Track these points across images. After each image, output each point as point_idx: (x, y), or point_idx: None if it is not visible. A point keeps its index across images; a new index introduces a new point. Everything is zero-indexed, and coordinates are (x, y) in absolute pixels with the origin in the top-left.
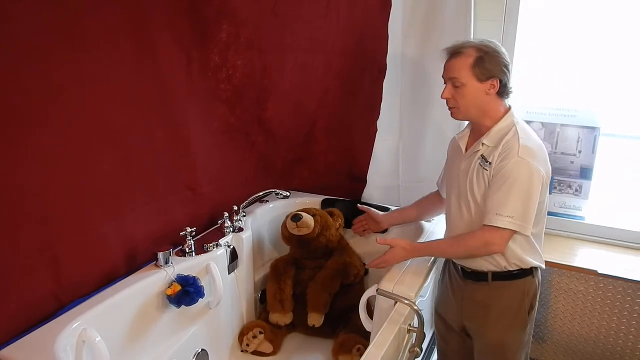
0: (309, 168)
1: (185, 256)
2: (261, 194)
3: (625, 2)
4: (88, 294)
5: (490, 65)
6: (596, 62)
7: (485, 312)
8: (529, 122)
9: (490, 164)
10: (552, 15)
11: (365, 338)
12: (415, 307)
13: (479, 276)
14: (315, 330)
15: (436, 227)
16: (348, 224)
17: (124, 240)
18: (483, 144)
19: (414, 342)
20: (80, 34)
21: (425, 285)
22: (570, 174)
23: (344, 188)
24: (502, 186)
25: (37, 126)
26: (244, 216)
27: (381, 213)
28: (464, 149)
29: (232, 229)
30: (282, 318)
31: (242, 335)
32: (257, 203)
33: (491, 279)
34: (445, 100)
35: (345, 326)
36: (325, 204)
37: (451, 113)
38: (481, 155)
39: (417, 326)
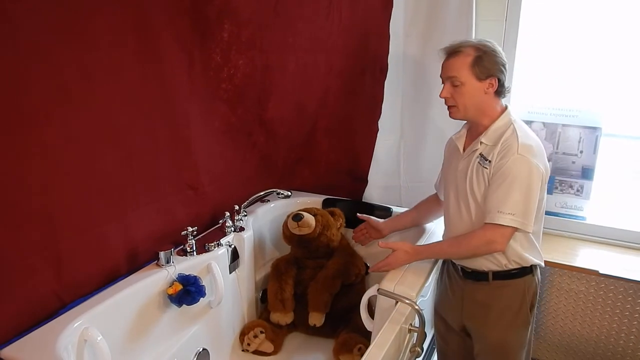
0: (310, 168)
1: (187, 255)
2: (262, 193)
3: (626, 2)
4: (89, 293)
5: (488, 64)
6: (597, 62)
7: (485, 311)
8: (530, 122)
9: (489, 162)
10: (554, 15)
11: (366, 337)
12: (416, 307)
13: (479, 276)
14: (316, 330)
15: (437, 228)
16: (349, 224)
17: (126, 239)
18: (481, 143)
19: (414, 342)
20: (81, 33)
21: (426, 284)
22: (571, 174)
23: (345, 188)
24: (502, 183)
25: (40, 126)
26: (245, 215)
27: (381, 220)
28: (461, 149)
29: (233, 229)
30: (283, 317)
31: (242, 335)
32: (258, 202)
33: (491, 278)
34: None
35: (346, 326)
36: (326, 203)
37: (449, 112)
38: (480, 154)
39: (418, 326)
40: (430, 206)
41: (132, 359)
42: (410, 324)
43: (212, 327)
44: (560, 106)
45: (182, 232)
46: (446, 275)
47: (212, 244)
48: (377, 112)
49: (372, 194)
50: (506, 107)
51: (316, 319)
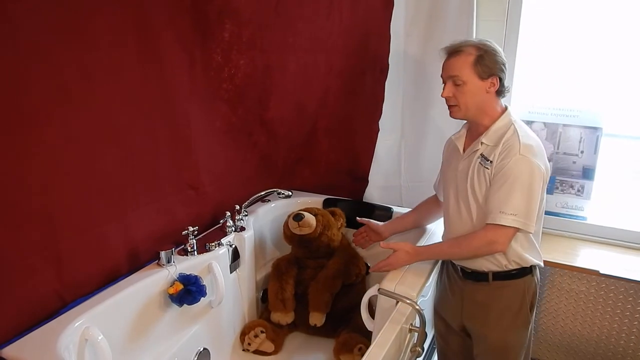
0: (311, 167)
1: (187, 255)
2: (263, 193)
3: (627, 3)
4: (90, 292)
5: (490, 63)
6: (598, 62)
7: (485, 312)
8: (530, 122)
9: (491, 162)
10: (554, 15)
11: (366, 337)
12: (417, 307)
13: (478, 276)
14: (317, 330)
15: (437, 228)
16: (350, 224)
17: (126, 239)
18: (482, 143)
19: (415, 342)
20: (81, 33)
21: (427, 284)
22: (572, 174)
23: (346, 187)
24: (504, 184)
25: (40, 126)
26: (246, 215)
27: (381, 223)
28: (461, 149)
29: (233, 228)
30: (283, 317)
31: (243, 334)
32: (259, 202)
33: (491, 278)
34: (444, 100)
35: (347, 325)
36: (326, 203)
37: (450, 111)
38: (481, 154)
39: (418, 325)
40: (430, 207)
41: (132, 359)
42: (411, 324)
43: (213, 326)
44: (561, 106)
45: (183, 232)
46: (446, 276)
47: (213, 244)
48: (377, 112)
49: (373, 193)
50: (506, 108)
51: (317, 318)
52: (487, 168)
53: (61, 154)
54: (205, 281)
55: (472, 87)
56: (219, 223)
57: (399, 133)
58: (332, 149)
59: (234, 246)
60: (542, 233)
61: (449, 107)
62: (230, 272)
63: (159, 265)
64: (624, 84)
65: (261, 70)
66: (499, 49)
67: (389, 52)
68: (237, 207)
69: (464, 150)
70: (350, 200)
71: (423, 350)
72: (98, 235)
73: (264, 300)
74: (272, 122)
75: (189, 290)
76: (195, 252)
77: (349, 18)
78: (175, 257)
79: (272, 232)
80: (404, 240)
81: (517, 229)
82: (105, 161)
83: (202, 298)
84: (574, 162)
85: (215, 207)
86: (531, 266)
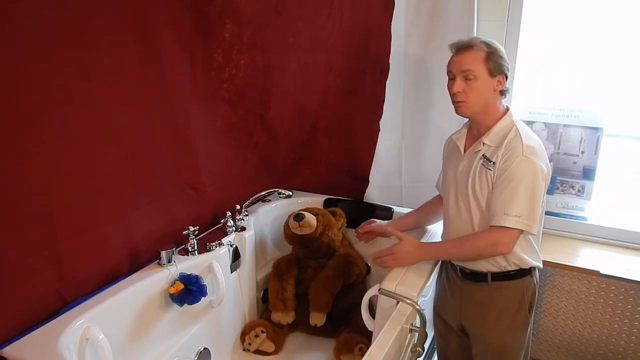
0: (311, 167)
1: (188, 255)
2: (263, 193)
3: (627, 3)
4: (91, 292)
5: (499, 61)
6: (599, 62)
7: (484, 312)
8: (531, 122)
9: (493, 163)
10: (555, 15)
11: (367, 337)
12: (417, 307)
13: (477, 276)
14: (317, 330)
15: (438, 228)
16: (350, 224)
17: (127, 239)
18: (484, 144)
19: (415, 342)
20: (81, 33)
21: (427, 284)
22: (572, 174)
23: (346, 188)
24: (508, 186)
25: (40, 126)
26: (247, 215)
27: (384, 222)
28: (462, 149)
29: (234, 228)
30: (284, 317)
31: (244, 334)
32: (260, 202)
33: (490, 279)
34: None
35: (347, 325)
36: (327, 203)
37: (457, 107)
38: (483, 155)
39: (419, 325)
40: (433, 207)
41: (133, 358)
42: (411, 324)
43: (213, 326)
44: (561, 106)
45: (184, 232)
46: (445, 276)
47: (214, 244)
48: (377, 112)
49: (373, 194)
50: (508, 108)
51: (317, 318)
52: (489, 169)
53: (61, 154)
54: (206, 281)
55: (482, 84)
56: (220, 223)
57: (399, 133)
58: (332, 149)
59: (234, 246)
60: (543, 233)
61: (457, 103)
62: (231, 272)
63: (160, 264)
64: (624, 84)
65: (262, 70)
66: (503, 48)
67: (390, 52)
68: (238, 207)
69: (464, 150)
70: (351, 201)
71: (423, 351)
72: (98, 235)
73: (265, 300)
74: (273, 122)
75: (189, 290)
76: (196, 252)
77: (349, 18)
78: (176, 257)
79: (272, 232)
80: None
81: (521, 231)
82: (105, 161)
83: (203, 298)
84: (575, 163)
85: (215, 207)
86: (530, 267)
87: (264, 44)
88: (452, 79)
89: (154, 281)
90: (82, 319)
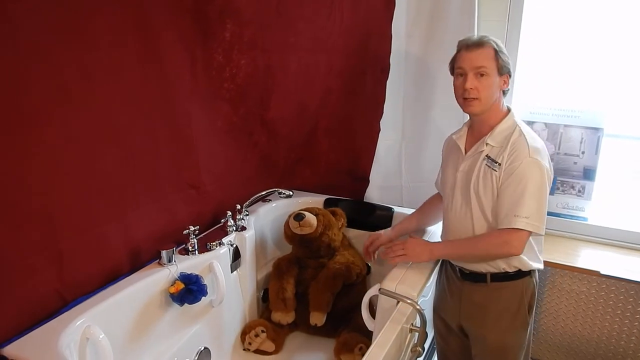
0: (311, 167)
1: (188, 254)
2: (264, 193)
3: (628, 3)
4: (91, 291)
5: (506, 59)
6: (599, 62)
7: (483, 313)
8: (531, 123)
9: (499, 164)
10: (556, 15)
11: (367, 337)
12: (418, 307)
13: (477, 277)
14: (317, 329)
15: (437, 229)
16: (350, 223)
17: (127, 238)
18: (487, 144)
19: (415, 342)
20: (81, 33)
21: (428, 284)
22: (573, 175)
23: (346, 187)
24: (517, 187)
25: (40, 126)
26: (247, 215)
27: (386, 233)
28: (463, 149)
29: (234, 228)
30: (284, 317)
31: (244, 334)
32: (260, 202)
33: (489, 279)
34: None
35: (347, 325)
36: (327, 203)
37: (469, 104)
38: (487, 156)
39: (419, 325)
40: (434, 207)
41: (133, 357)
42: (412, 324)
43: (214, 326)
44: (562, 107)
45: (184, 231)
46: (444, 276)
47: (214, 243)
48: (378, 112)
49: (373, 193)
50: (510, 109)
51: (317, 318)
52: (494, 170)
53: (61, 154)
54: (206, 280)
55: (493, 81)
56: (220, 222)
57: (399, 133)
58: (332, 149)
59: (234, 246)
60: None
61: (469, 100)
62: (231, 272)
63: (160, 264)
64: (625, 85)
65: (262, 70)
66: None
67: (390, 52)
68: (238, 206)
69: (466, 151)
70: (351, 200)
71: (423, 350)
72: (98, 235)
73: (265, 300)
74: (273, 122)
75: (190, 290)
76: (196, 252)
77: (350, 18)
78: (176, 257)
79: (273, 231)
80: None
81: (530, 233)
82: (105, 161)
83: (203, 297)
84: (575, 163)
85: (216, 207)
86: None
87: (265, 43)
88: (461, 75)
89: (154, 281)
90: (83, 318)
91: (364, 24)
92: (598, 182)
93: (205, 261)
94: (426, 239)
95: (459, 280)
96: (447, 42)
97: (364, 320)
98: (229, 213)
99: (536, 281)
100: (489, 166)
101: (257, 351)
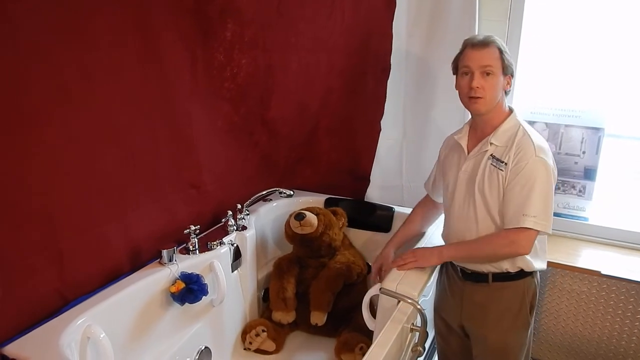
0: (312, 167)
1: (189, 254)
2: (264, 192)
3: (628, 3)
4: (92, 291)
5: (510, 60)
6: (600, 62)
7: (484, 313)
8: (532, 123)
9: (505, 164)
10: (557, 15)
11: (367, 337)
12: (418, 306)
13: (478, 277)
14: (318, 329)
15: (436, 229)
16: (351, 223)
17: (128, 238)
18: (491, 144)
19: (416, 341)
20: (81, 33)
21: (428, 284)
22: (574, 175)
23: (347, 187)
24: (524, 186)
25: (40, 126)
26: (248, 214)
27: (387, 251)
28: (465, 149)
29: (235, 227)
30: (284, 316)
31: (244, 333)
32: (261, 201)
33: (491, 279)
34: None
35: (348, 325)
36: (328, 203)
37: (474, 103)
38: (492, 156)
39: (419, 325)
40: (427, 210)
41: (134, 357)
42: (412, 324)
43: (214, 325)
44: (562, 107)
45: (185, 231)
46: (445, 276)
47: (215, 243)
48: (378, 112)
49: (374, 193)
50: (512, 109)
51: (318, 318)
52: (500, 170)
53: (61, 154)
54: (207, 280)
55: (498, 81)
56: (221, 222)
57: (400, 133)
58: (333, 149)
59: (235, 245)
60: None
61: (474, 99)
62: (232, 271)
63: (161, 263)
64: (626, 85)
65: (263, 70)
66: None
67: (391, 51)
68: (239, 206)
69: (468, 151)
70: (352, 200)
71: (424, 350)
72: (98, 235)
73: (266, 300)
74: (274, 122)
75: (190, 289)
76: (197, 251)
77: (350, 18)
78: (177, 256)
79: (273, 231)
80: (405, 249)
81: (538, 232)
82: (105, 161)
83: (204, 297)
84: (576, 163)
85: (216, 206)
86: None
87: (266, 43)
88: (467, 74)
89: (155, 280)
90: (84, 318)
91: (365, 24)
92: (599, 182)
93: (206, 261)
94: (423, 244)
95: (461, 280)
96: (448, 41)
97: (365, 320)
98: (230, 212)
99: (538, 281)
100: (494, 165)
101: (258, 350)
